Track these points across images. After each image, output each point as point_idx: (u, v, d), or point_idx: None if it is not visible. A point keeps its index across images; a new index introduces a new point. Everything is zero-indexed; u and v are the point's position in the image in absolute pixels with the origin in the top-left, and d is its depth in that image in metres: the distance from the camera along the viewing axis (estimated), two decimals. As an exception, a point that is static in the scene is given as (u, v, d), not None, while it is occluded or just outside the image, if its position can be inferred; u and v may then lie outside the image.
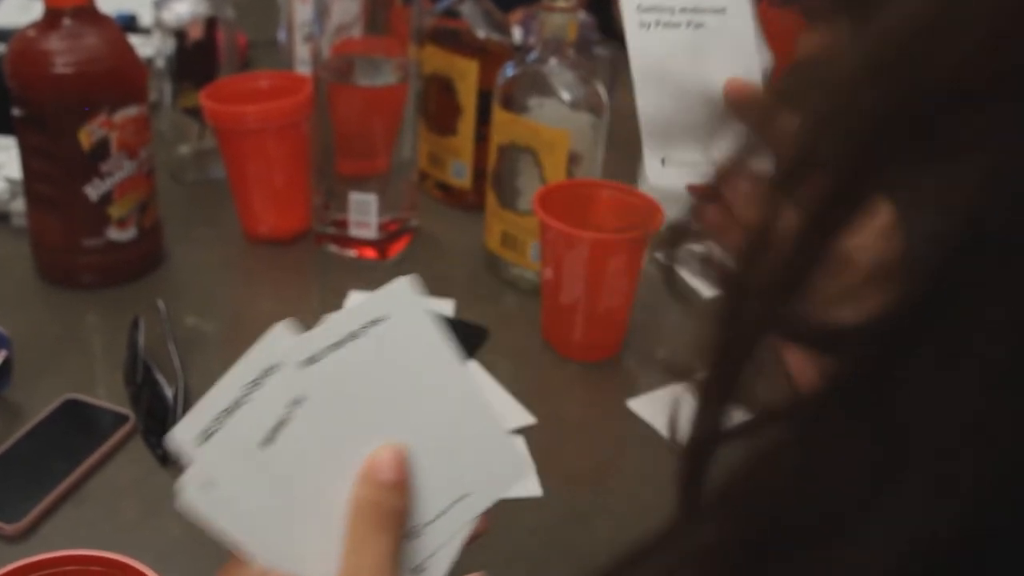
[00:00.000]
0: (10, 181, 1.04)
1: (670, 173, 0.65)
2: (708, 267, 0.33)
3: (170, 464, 0.76)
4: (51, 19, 0.89)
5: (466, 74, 1.07)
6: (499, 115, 0.97)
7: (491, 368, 0.89)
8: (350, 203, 1.01)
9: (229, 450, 0.45)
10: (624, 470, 0.82)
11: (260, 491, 0.46)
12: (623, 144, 1.13)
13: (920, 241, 0.26)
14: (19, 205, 1.02)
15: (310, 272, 1.05)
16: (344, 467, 0.47)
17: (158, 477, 0.76)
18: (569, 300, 0.89)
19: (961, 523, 0.25)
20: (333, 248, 1.04)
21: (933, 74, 0.25)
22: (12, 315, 0.90)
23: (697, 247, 0.34)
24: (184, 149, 1.15)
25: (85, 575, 0.56)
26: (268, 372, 0.45)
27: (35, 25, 0.90)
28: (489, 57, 1.06)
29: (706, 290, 1.01)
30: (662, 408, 0.86)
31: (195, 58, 1.11)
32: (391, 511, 0.47)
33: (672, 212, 0.95)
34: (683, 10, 0.62)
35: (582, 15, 1.11)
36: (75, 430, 0.79)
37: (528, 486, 0.77)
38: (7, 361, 0.82)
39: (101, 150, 0.91)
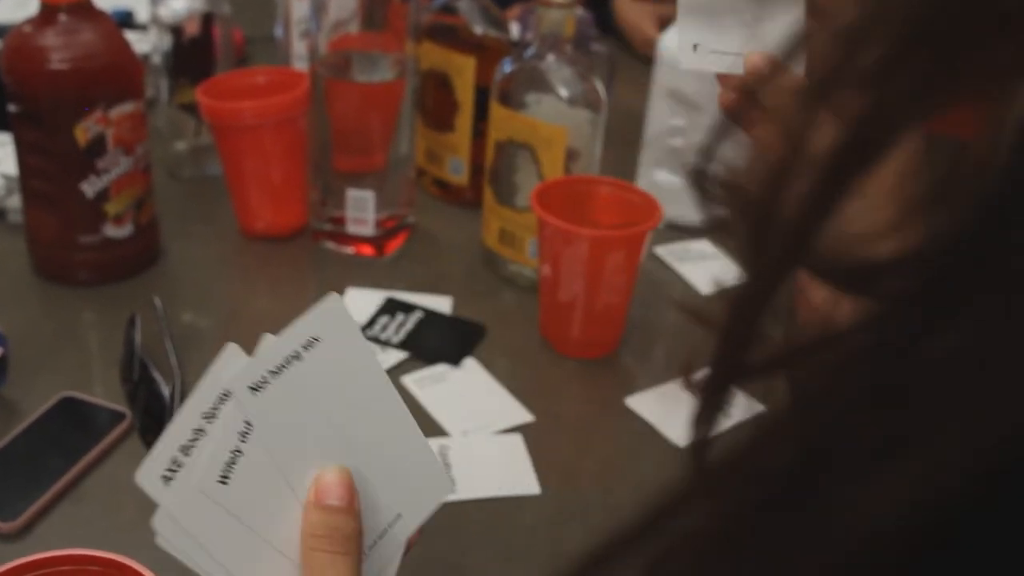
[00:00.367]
0: (6, 177, 1.03)
1: (701, 59, 0.62)
2: (732, 193, 0.28)
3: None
4: (47, 15, 0.89)
5: (463, 70, 1.06)
6: (497, 111, 0.97)
7: (489, 365, 0.89)
8: (347, 199, 1.01)
9: (191, 490, 0.45)
10: (622, 467, 0.82)
11: (224, 525, 0.46)
12: (621, 140, 1.13)
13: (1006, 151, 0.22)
14: (15, 201, 1.02)
15: (307, 269, 1.05)
16: (297, 492, 0.48)
17: (155, 475, 0.76)
18: (567, 297, 0.89)
19: (986, 471, 0.23)
20: (330, 245, 1.04)
21: None
22: (8, 312, 0.90)
23: (721, 168, 0.29)
24: (181, 145, 1.15)
25: (82, 575, 0.56)
26: (221, 400, 0.45)
27: (31, 21, 0.90)
28: (486, 53, 1.06)
29: (705, 288, 1.01)
30: (661, 405, 0.86)
31: (191, 54, 1.11)
32: (348, 535, 0.47)
33: (670, 210, 0.95)
34: None
35: (580, 11, 1.10)
36: (71, 428, 0.79)
37: (526, 483, 0.77)
38: (3, 358, 0.81)
39: (97, 146, 0.91)
